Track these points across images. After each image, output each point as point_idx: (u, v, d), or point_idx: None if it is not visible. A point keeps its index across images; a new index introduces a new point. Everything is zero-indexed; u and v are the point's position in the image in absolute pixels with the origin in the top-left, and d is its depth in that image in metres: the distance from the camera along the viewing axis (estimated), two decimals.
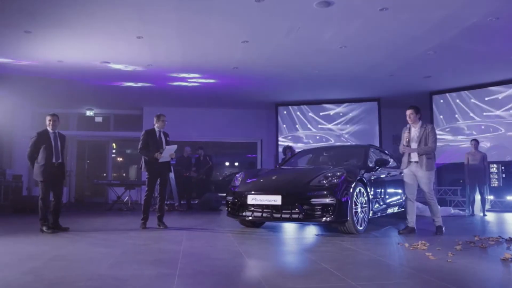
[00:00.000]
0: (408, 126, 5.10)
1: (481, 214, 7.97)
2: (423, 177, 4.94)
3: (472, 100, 10.03)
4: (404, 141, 5.06)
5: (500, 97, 9.59)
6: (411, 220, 5.03)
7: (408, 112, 5.06)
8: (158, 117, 5.80)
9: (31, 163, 5.28)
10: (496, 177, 10.41)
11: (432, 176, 5.00)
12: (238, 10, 5.83)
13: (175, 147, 5.70)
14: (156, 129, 5.76)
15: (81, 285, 2.53)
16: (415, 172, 4.99)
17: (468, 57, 7.86)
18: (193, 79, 9.16)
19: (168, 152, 5.62)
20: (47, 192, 5.22)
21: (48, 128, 5.34)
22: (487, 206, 8.40)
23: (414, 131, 5.04)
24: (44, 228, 5.07)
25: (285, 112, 11.90)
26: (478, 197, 8.15)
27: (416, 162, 4.97)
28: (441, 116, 10.55)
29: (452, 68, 8.59)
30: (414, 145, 4.98)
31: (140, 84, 9.69)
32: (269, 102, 11.81)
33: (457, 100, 10.27)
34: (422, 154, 4.92)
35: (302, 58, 7.93)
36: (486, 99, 9.78)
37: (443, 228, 4.99)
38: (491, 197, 9.21)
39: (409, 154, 5.02)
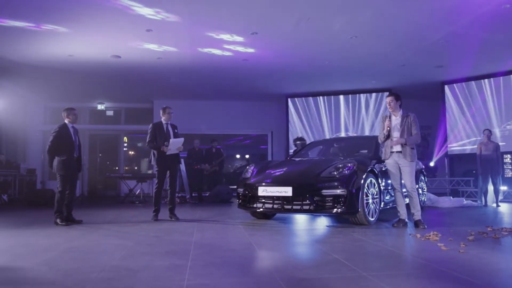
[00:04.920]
0: (388, 114, 4.92)
1: (495, 205, 7.88)
2: (407, 167, 4.71)
3: (486, 90, 9.87)
4: (385, 130, 4.83)
5: None
6: (403, 212, 4.83)
7: (388, 99, 4.86)
8: (164, 109, 5.81)
9: (51, 156, 5.26)
10: (511, 167, 10.25)
11: (414, 166, 4.80)
12: (246, 0, 5.80)
13: (181, 140, 5.68)
14: (163, 122, 5.78)
15: (94, 276, 2.57)
16: (398, 161, 4.77)
17: (481, 46, 7.71)
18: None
19: (174, 146, 5.60)
20: (66, 186, 5.27)
21: (66, 122, 5.39)
22: (500, 197, 8.30)
23: (395, 119, 4.84)
24: (58, 221, 5.14)
25: (295, 103, 11.85)
26: (491, 187, 8.05)
27: (399, 152, 4.75)
28: (454, 106, 10.41)
29: (465, 57, 8.43)
30: (396, 134, 4.77)
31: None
32: (279, 94, 11.76)
33: (470, 90, 10.11)
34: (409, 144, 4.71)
35: (312, 49, 7.87)
36: (501, 88, 9.62)
37: (423, 222, 4.69)
38: (504, 188, 9.09)
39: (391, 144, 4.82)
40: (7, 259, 3.15)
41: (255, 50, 7.83)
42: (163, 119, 5.79)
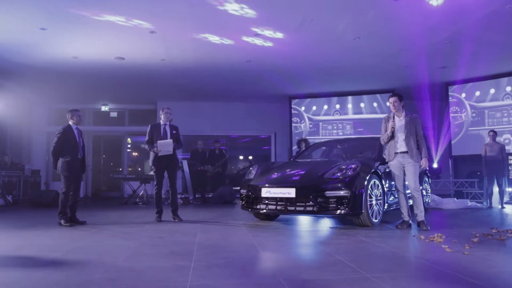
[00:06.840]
0: (391, 114, 4.91)
1: (500, 207, 7.84)
2: (411, 166, 4.72)
3: (490, 91, 9.83)
4: (388, 131, 4.84)
5: None
6: (406, 214, 4.83)
7: (392, 100, 4.85)
8: (162, 110, 5.83)
9: (55, 158, 5.29)
10: None
11: (418, 166, 4.78)
12: (249, 2, 5.80)
13: (169, 142, 5.59)
14: (162, 123, 5.78)
15: (98, 276, 2.57)
16: (402, 162, 4.78)
17: (485, 46, 7.68)
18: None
19: (163, 147, 5.54)
20: (70, 187, 5.29)
21: (70, 123, 5.41)
22: (506, 198, 8.25)
23: (399, 120, 4.85)
24: (62, 222, 5.16)
25: (298, 104, 11.84)
26: (496, 189, 8.01)
27: (404, 152, 4.76)
28: (458, 107, 10.37)
29: (469, 58, 8.39)
30: (401, 136, 4.79)
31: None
32: (282, 95, 11.76)
33: (474, 91, 10.07)
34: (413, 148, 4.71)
35: (315, 50, 7.86)
36: (506, 89, 9.57)
37: (426, 223, 4.68)
38: (510, 189, 9.04)
39: (396, 145, 4.83)
40: (12, 260, 3.17)
41: (258, 51, 7.82)
42: (161, 120, 5.79)
